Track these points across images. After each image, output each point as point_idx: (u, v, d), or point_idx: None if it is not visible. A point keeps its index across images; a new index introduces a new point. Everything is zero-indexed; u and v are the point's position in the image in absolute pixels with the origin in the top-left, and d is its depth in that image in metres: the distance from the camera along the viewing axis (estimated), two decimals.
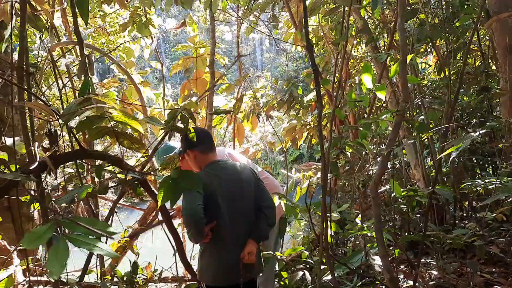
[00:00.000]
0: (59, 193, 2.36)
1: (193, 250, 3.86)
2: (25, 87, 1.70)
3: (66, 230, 1.26)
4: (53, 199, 1.69)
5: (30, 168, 1.44)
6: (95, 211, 2.46)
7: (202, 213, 2.00)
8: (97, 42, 6.51)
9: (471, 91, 4.28)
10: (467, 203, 3.81)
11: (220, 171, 2.21)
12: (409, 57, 1.89)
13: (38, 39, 5.83)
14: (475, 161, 4.01)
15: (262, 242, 2.33)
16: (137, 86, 4.39)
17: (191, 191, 1.96)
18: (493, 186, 2.35)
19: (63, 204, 1.68)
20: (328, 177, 2.06)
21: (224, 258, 2.17)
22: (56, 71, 2.21)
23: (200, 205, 2.00)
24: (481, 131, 1.76)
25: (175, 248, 2.27)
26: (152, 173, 2.36)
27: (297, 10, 4.52)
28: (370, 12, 4.25)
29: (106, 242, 2.04)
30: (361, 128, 1.93)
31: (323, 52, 5.91)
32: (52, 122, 1.46)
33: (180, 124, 1.84)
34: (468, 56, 4.40)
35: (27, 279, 2.19)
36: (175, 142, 2.88)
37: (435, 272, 2.82)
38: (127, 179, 1.85)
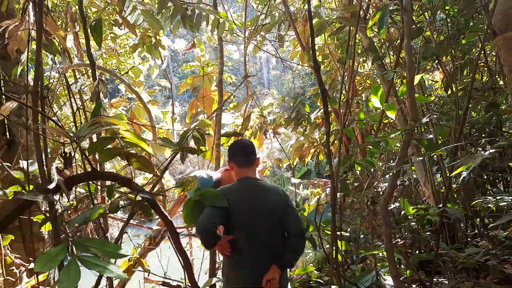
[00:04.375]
0: (70, 212, 2.38)
1: (201, 268, 3.85)
2: (40, 109, 1.75)
3: (75, 251, 1.27)
4: (66, 219, 1.71)
5: (47, 188, 1.46)
6: (104, 231, 2.47)
7: (212, 232, 2.02)
8: (108, 63, 6.66)
9: (479, 107, 4.27)
10: (478, 220, 3.75)
11: (248, 188, 2.21)
12: (417, 77, 1.91)
13: (50, 60, 5.98)
14: (485, 177, 3.96)
15: None
16: (146, 105, 4.46)
17: (211, 207, 1.99)
18: (505, 203, 2.33)
19: (76, 224, 1.70)
20: (338, 196, 2.06)
21: (245, 277, 2.15)
22: (69, 92, 2.27)
23: (212, 223, 2.01)
24: (491, 150, 1.75)
25: (183, 267, 2.27)
26: (161, 193, 2.37)
27: (304, 30, 4.59)
28: (376, 31, 4.30)
29: (115, 261, 2.05)
30: (370, 147, 1.94)
31: (330, 69, 5.96)
32: (65, 144, 1.49)
33: (192, 144, 1.87)
34: (476, 72, 4.40)
35: None
36: (205, 173, 2.90)
37: None
38: (137, 200, 1.87)
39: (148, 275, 2.97)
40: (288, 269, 2.37)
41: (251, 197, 2.18)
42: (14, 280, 2.64)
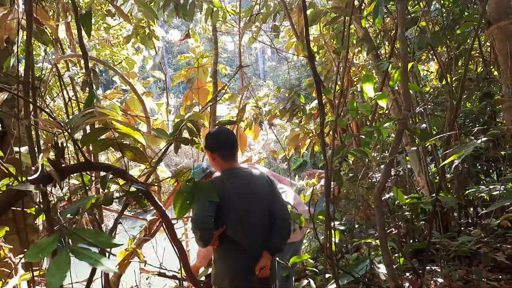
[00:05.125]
0: (64, 204, 2.38)
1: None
2: (31, 100, 1.73)
3: (71, 242, 1.27)
4: (59, 210, 1.70)
5: (36, 178, 1.45)
6: (99, 222, 2.47)
7: (210, 225, 2.02)
8: (101, 54, 6.59)
9: (473, 97, 4.28)
10: (471, 209, 3.79)
11: (236, 178, 2.21)
12: (409, 65, 1.91)
13: (42, 52, 5.91)
14: (479, 167, 3.99)
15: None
16: (140, 96, 4.42)
17: (203, 201, 1.98)
18: (498, 192, 2.35)
19: (68, 215, 1.69)
20: (332, 186, 2.07)
21: (238, 267, 2.16)
22: (62, 83, 2.25)
23: (209, 216, 2.01)
24: (483, 139, 1.76)
25: (179, 257, 2.28)
26: (155, 184, 2.37)
27: (298, 20, 4.56)
28: (371, 21, 4.28)
29: (111, 252, 2.05)
30: (363, 137, 1.94)
31: (325, 60, 5.95)
32: (58, 135, 1.48)
33: (186, 135, 1.86)
34: (470, 62, 4.41)
35: None
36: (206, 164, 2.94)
37: (440, 280, 2.80)
38: (131, 191, 1.86)
39: (144, 266, 2.99)
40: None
41: (239, 186, 2.18)
42: (9, 271, 2.64)
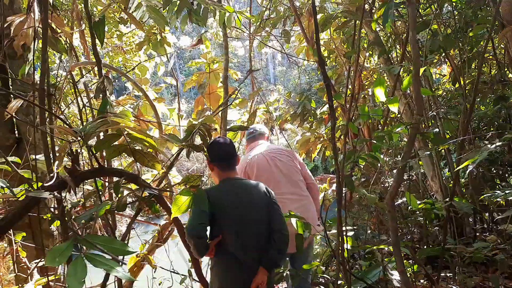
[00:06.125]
0: (79, 209, 2.41)
1: (209, 263, 3.87)
2: (46, 107, 1.77)
3: (83, 247, 1.29)
4: (73, 216, 1.73)
5: (54, 185, 1.48)
6: (113, 228, 2.49)
7: (203, 233, 2.01)
8: (114, 60, 6.70)
9: (487, 101, 4.22)
10: (487, 215, 3.72)
11: (232, 188, 2.21)
12: (421, 69, 1.89)
13: (57, 59, 6.03)
14: (494, 171, 3.92)
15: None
16: (152, 102, 4.47)
17: (196, 209, 1.98)
18: None
19: (82, 221, 1.72)
20: (343, 191, 2.05)
21: (231, 278, 2.15)
22: (76, 90, 2.29)
23: (202, 224, 2.01)
24: (498, 143, 1.73)
25: (191, 260, 2.30)
26: (168, 189, 2.39)
27: (309, 25, 4.56)
28: (382, 25, 4.27)
29: (123, 257, 2.07)
30: (375, 141, 1.93)
31: (336, 64, 5.93)
32: (72, 142, 1.51)
33: (198, 140, 1.88)
34: (484, 65, 4.35)
35: None
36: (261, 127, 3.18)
37: (455, 287, 2.75)
38: (144, 196, 1.88)
39: (155, 271, 3.00)
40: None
41: (237, 197, 2.17)
42: (25, 276, 2.68)
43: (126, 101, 5.11)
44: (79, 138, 1.40)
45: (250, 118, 4.76)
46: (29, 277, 2.38)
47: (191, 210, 2.01)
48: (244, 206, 2.16)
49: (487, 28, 3.32)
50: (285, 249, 2.19)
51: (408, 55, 4.21)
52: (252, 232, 2.14)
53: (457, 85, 4.04)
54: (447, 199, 2.26)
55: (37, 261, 2.61)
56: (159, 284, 3.51)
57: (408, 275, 2.17)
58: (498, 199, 2.44)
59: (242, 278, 2.11)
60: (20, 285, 2.17)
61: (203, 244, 2.04)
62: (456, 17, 3.66)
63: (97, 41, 2.26)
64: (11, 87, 3.22)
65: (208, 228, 2.17)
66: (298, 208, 2.68)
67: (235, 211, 2.13)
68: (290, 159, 2.99)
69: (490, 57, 4.45)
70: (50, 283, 2.19)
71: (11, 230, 2.57)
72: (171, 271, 3.36)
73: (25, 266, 2.76)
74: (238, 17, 3.04)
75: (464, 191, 3.85)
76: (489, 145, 1.74)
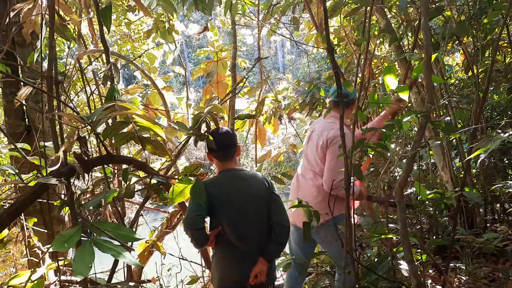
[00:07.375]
0: (88, 196, 2.44)
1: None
2: (54, 95, 1.77)
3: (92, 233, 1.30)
4: (82, 202, 1.75)
5: (62, 171, 1.49)
6: (122, 214, 2.52)
7: (201, 224, 2.02)
8: (123, 49, 6.69)
9: (500, 89, 4.13)
10: (498, 205, 3.67)
11: (230, 180, 2.20)
12: (433, 56, 1.85)
13: (66, 47, 6.05)
14: (506, 161, 3.86)
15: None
16: (161, 91, 4.47)
17: (193, 200, 1.98)
18: None
19: (91, 208, 1.74)
20: (352, 180, 2.03)
21: (231, 268, 2.16)
22: (84, 78, 2.29)
23: (199, 215, 2.01)
24: (511, 132, 1.69)
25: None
26: (176, 177, 2.40)
27: (318, 12, 4.49)
28: (393, 11, 4.17)
29: (132, 244, 2.09)
30: (384, 130, 1.90)
31: (346, 52, 5.84)
32: (81, 129, 1.51)
33: (204, 128, 1.87)
34: (498, 53, 4.24)
35: (58, 278, 2.27)
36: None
37: (464, 278, 2.73)
38: (152, 183, 1.89)
39: (164, 258, 3.04)
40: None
41: (236, 188, 2.17)
42: (37, 261, 2.74)
43: (135, 90, 5.12)
44: (86, 124, 1.40)
45: (258, 106, 4.74)
46: (41, 261, 2.43)
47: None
48: (242, 197, 2.15)
49: (502, 15, 3.22)
50: (285, 241, 2.21)
51: (420, 43, 4.12)
52: (251, 223, 2.15)
53: (470, 74, 3.95)
54: (458, 189, 2.23)
55: (48, 246, 2.66)
56: (168, 270, 3.56)
57: (416, 265, 2.16)
58: (510, 190, 2.40)
59: (242, 268, 2.12)
60: (32, 269, 2.21)
61: (201, 235, 2.05)
62: (470, 3, 3.56)
63: (104, 28, 2.25)
64: (20, 74, 3.24)
65: (208, 219, 2.19)
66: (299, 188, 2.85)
67: (233, 203, 2.13)
68: (318, 143, 2.83)
69: (505, 44, 4.33)
70: (61, 267, 2.23)
71: (23, 216, 2.62)
72: (180, 258, 3.41)
73: (37, 251, 2.81)
74: (245, 2, 3.00)
75: (475, 181, 3.80)
76: (502, 134, 1.70)
